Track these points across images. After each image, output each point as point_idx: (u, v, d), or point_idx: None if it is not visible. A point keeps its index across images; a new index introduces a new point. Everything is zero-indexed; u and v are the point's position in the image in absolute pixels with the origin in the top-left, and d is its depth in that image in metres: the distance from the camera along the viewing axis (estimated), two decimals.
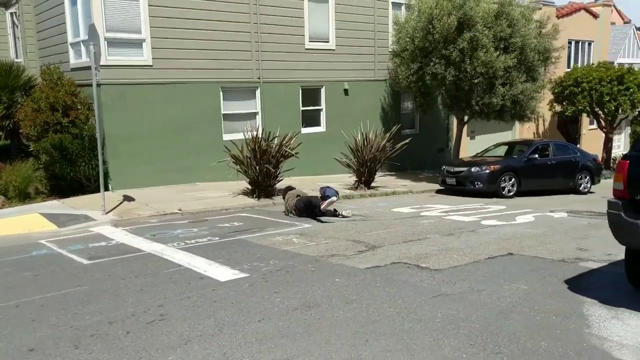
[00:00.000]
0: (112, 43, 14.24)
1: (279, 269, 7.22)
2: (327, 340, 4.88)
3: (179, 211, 12.01)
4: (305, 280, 6.68)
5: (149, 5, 14.56)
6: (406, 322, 5.27)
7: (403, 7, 19.95)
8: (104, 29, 13.87)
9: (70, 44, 15.47)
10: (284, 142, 14.01)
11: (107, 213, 11.58)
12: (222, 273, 7.05)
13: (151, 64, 14.80)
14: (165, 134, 15.21)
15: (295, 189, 12.51)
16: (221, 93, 16.22)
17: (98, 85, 12.91)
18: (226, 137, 15.97)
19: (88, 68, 11.56)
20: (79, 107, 14.35)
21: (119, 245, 8.98)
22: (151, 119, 14.88)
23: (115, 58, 14.26)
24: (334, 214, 11.50)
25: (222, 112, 16.29)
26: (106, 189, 13.84)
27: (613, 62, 28.20)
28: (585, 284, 6.56)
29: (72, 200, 13.26)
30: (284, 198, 12.29)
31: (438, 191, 16.91)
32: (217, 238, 9.36)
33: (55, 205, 12.73)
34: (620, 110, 23.67)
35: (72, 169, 13.68)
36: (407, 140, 17.00)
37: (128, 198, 13.23)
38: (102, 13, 13.93)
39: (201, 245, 8.76)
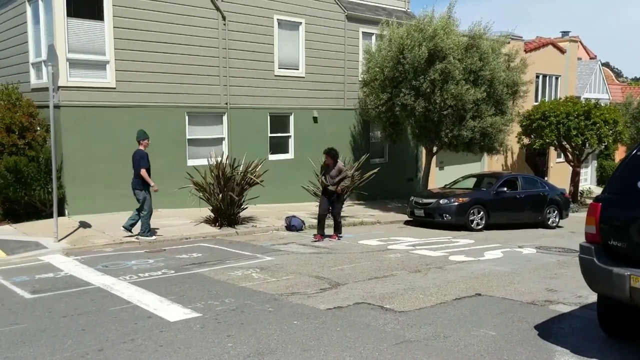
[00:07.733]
0: (74, 64, 13.80)
1: (234, 308, 6.77)
2: None
3: (136, 240, 11.49)
4: (261, 322, 6.25)
5: (114, 27, 14.18)
6: None
7: (374, 37, 19.91)
8: (66, 50, 13.44)
9: (32, 64, 15.01)
10: (250, 169, 13.65)
11: (59, 240, 11.02)
12: (172, 312, 6.58)
13: (114, 86, 14.35)
14: (127, 158, 14.62)
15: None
16: (187, 117, 15.81)
17: (57, 106, 12.45)
18: (190, 162, 15.55)
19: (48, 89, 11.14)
20: (38, 128, 13.83)
21: (67, 277, 8.44)
22: (112, 143, 14.36)
23: (77, 79, 13.81)
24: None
25: (187, 137, 15.88)
26: (62, 214, 13.33)
27: (580, 97, 28.60)
28: (556, 330, 6.24)
29: (26, 225, 12.70)
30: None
31: (406, 222, 16.63)
32: (173, 271, 8.87)
33: (7, 231, 12.13)
34: (587, 145, 23.89)
35: (27, 193, 13.11)
36: (375, 170, 16.80)
37: (84, 224, 12.66)
38: (65, 33, 13.50)
39: (154, 280, 8.27)
